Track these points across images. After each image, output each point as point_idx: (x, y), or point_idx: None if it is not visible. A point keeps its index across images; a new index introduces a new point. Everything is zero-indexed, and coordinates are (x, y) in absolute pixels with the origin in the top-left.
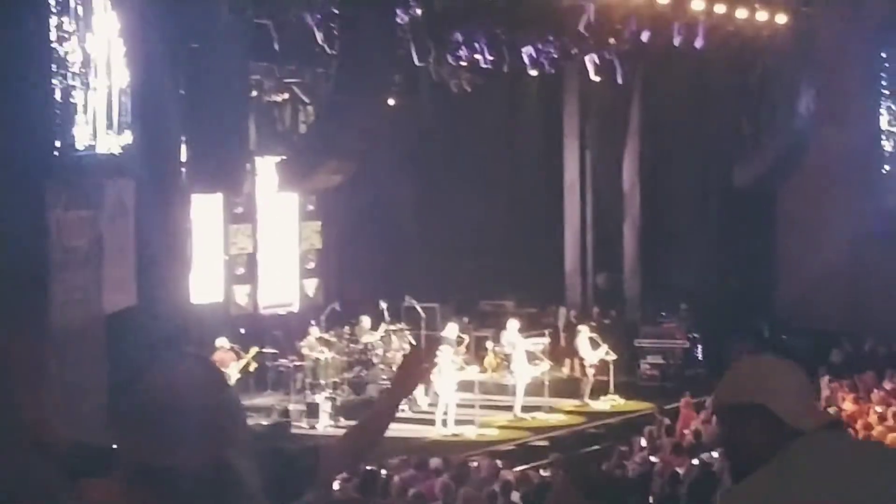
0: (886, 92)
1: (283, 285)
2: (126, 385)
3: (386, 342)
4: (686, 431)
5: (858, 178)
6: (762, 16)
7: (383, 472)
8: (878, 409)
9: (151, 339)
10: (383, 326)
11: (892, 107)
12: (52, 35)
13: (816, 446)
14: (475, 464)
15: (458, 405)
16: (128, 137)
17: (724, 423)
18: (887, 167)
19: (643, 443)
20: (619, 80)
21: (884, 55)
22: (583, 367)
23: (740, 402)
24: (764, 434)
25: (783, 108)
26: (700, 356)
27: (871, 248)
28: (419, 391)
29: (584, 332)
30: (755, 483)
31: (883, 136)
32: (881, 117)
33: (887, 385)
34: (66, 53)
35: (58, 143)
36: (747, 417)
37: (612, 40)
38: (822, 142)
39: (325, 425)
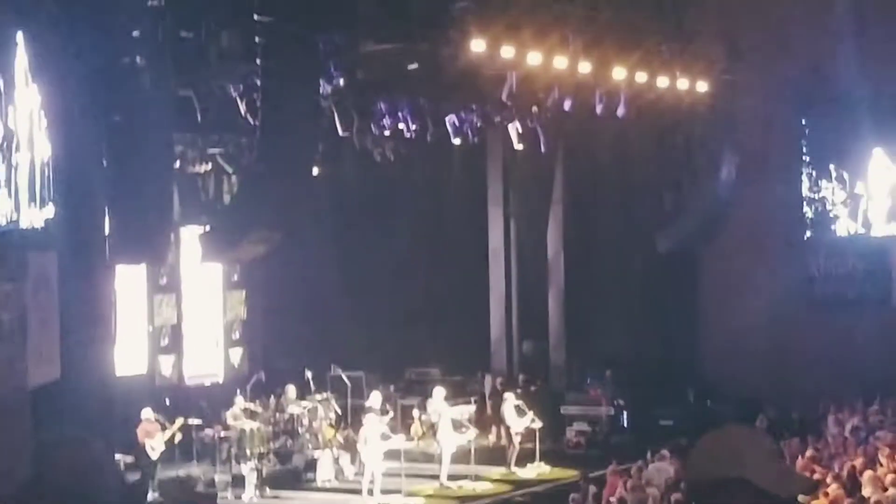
0: (807, 158)
1: (208, 355)
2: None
3: (312, 412)
4: (612, 499)
5: (780, 243)
6: (683, 84)
7: None
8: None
9: (76, 413)
10: (309, 396)
11: (813, 174)
12: None
13: None
14: None
15: (385, 474)
16: (50, 210)
17: (700, 499)
18: (809, 233)
19: None
20: (543, 148)
21: (804, 122)
22: (509, 434)
23: (719, 477)
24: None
25: (705, 174)
26: (625, 423)
27: (793, 313)
28: (346, 461)
29: (509, 400)
30: None
31: (804, 203)
32: (802, 184)
33: (809, 452)
34: None
35: None
36: (730, 492)
37: (534, 109)
38: (744, 208)
39: (251, 496)
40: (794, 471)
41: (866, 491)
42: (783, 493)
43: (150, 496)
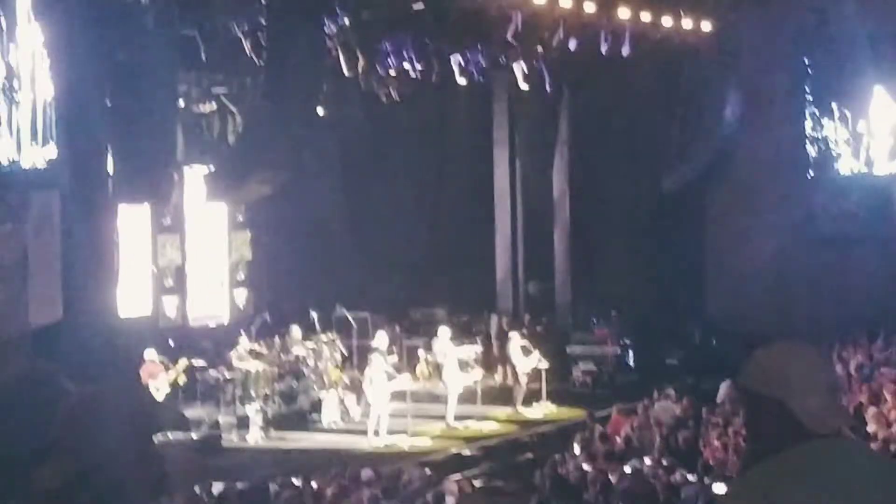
0: (810, 98)
1: (213, 296)
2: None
3: (317, 353)
4: (618, 438)
5: (784, 182)
6: (687, 23)
7: (314, 484)
8: None
9: (79, 354)
10: (314, 337)
11: (816, 112)
12: None
13: (828, 453)
14: (407, 475)
15: (390, 415)
16: (53, 150)
17: (743, 405)
18: (812, 172)
19: (577, 450)
20: (548, 89)
21: (807, 61)
22: (515, 374)
23: (759, 392)
24: (779, 428)
25: (709, 114)
26: (631, 362)
27: (797, 251)
28: (351, 401)
29: (515, 340)
30: (757, 477)
31: (807, 142)
32: (805, 123)
33: None
34: None
35: None
36: (765, 408)
37: (539, 48)
38: (748, 147)
39: (256, 437)
40: (841, 407)
41: (871, 427)
42: (816, 428)
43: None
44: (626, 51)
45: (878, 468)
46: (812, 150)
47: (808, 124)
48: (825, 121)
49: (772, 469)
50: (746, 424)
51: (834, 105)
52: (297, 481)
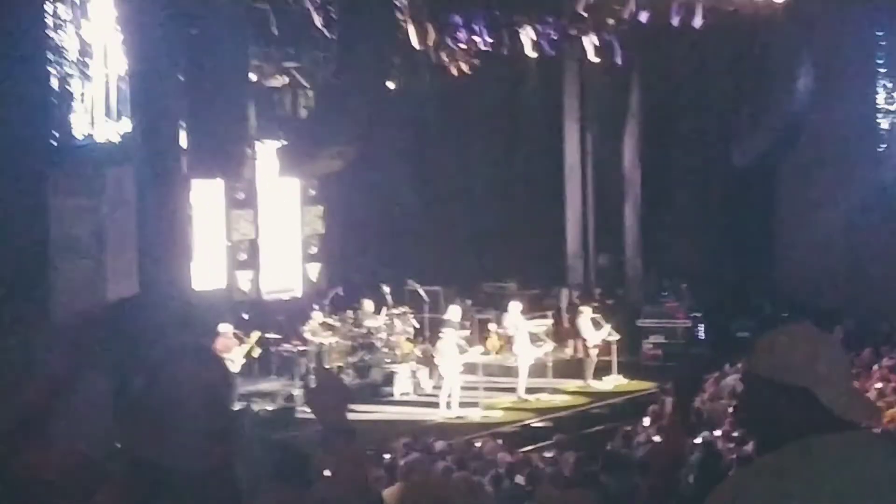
0: (882, 70)
1: (286, 270)
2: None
3: (389, 326)
4: None
5: (856, 155)
6: None
7: (387, 455)
8: (878, 385)
9: (155, 327)
10: (386, 310)
11: (888, 85)
12: (49, 23)
13: (848, 444)
14: (479, 446)
15: (462, 388)
16: (126, 125)
17: (754, 393)
18: (884, 145)
19: (647, 422)
20: (619, 61)
21: (880, 34)
22: (586, 347)
23: (783, 381)
24: (802, 416)
25: (781, 87)
26: (702, 335)
27: (868, 224)
28: (423, 374)
29: (586, 313)
30: (775, 464)
31: (879, 115)
32: (878, 95)
33: (886, 361)
34: (63, 42)
35: (56, 133)
36: (788, 397)
37: (610, 21)
38: (819, 120)
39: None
40: (860, 394)
41: None
42: (846, 416)
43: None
44: (697, 22)
45: (881, 461)
46: (884, 123)
47: (881, 96)
48: None
49: (789, 457)
50: (754, 412)
51: None
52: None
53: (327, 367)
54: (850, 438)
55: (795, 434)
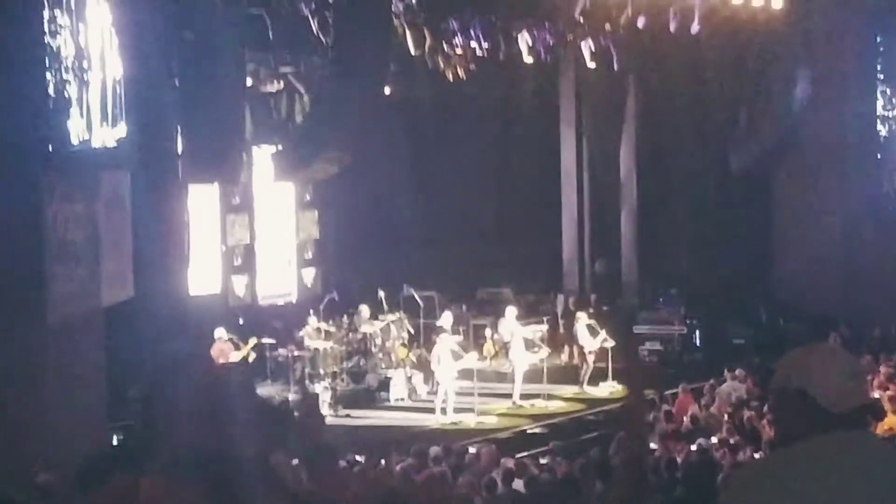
0: (882, 76)
1: (281, 275)
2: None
3: (384, 331)
4: (684, 417)
5: (853, 162)
6: (758, 1)
7: (382, 461)
8: (876, 394)
9: (150, 332)
10: (382, 316)
11: (888, 91)
12: (45, 28)
13: (842, 445)
14: (474, 451)
15: (458, 393)
16: (122, 130)
17: (772, 407)
18: (881, 151)
19: None
20: (616, 67)
21: (879, 39)
22: (581, 353)
23: (784, 387)
24: (800, 416)
25: (779, 93)
26: (698, 342)
27: (865, 231)
28: (418, 380)
29: (582, 319)
30: (765, 466)
31: (878, 121)
32: (877, 102)
33: (883, 369)
34: (59, 47)
35: (52, 138)
36: (788, 399)
37: (607, 26)
38: (816, 126)
39: (325, 414)
40: (860, 390)
41: None
42: (834, 408)
43: None
44: (695, 28)
45: (880, 464)
46: (882, 130)
47: (880, 103)
48: None
49: (782, 459)
50: (774, 423)
51: None
52: (364, 458)
53: (307, 390)
54: (853, 437)
55: (793, 434)
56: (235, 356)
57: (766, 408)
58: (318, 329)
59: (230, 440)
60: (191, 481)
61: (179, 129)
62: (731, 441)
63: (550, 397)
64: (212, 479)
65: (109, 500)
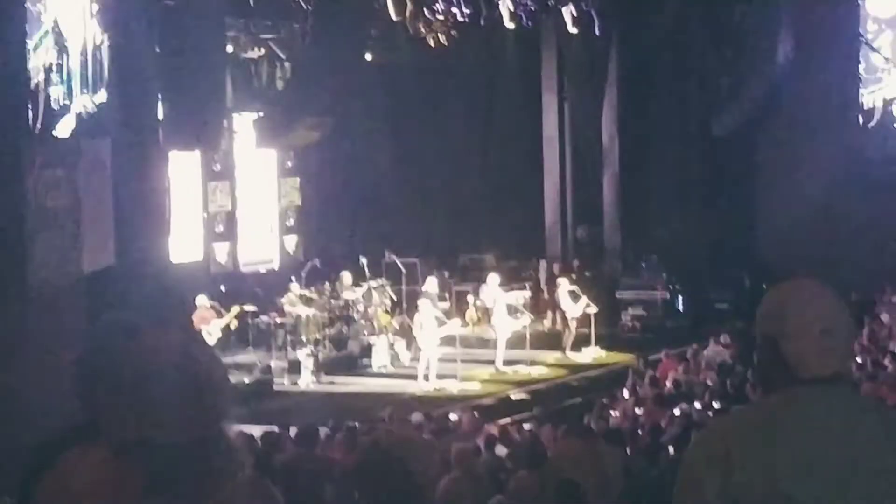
0: (863, 40)
1: (263, 242)
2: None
3: (367, 298)
4: (667, 382)
5: (836, 125)
6: None
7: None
8: (858, 359)
9: (131, 299)
10: (364, 282)
11: (869, 55)
12: None
13: (812, 400)
14: (457, 418)
15: (440, 360)
16: (103, 96)
17: (755, 351)
18: (864, 115)
19: (626, 395)
20: (597, 32)
21: (860, 2)
22: (564, 319)
23: (760, 331)
24: (771, 370)
25: (761, 56)
26: (681, 307)
27: (850, 196)
28: (401, 346)
29: (564, 285)
30: (724, 424)
31: (860, 85)
32: (858, 65)
33: (866, 331)
34: (39, 13)
35: (32, 104)
36: (763, 347)
37: None
38: (799, 89)
39: (307, 382)
40: (829, 349)
41: None
42: (801, 372)
43: None
44: None
45: (860, 416)
46: (864, 93)
47: (861, 66)
48: (880, 63)
49: (740, 416)
50: (754, 370)
51: (890, 47)
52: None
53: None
54: (830, 389)
55: (766, 388)
56: (218, 323)
57: (749, 372)
58: (301, 296)
59: (166, 415)
60: (127, 458)
61: (160, 96)
62: (716, 405)
63: (533, 363)
64: (146, 458)
65: (60, 478)
